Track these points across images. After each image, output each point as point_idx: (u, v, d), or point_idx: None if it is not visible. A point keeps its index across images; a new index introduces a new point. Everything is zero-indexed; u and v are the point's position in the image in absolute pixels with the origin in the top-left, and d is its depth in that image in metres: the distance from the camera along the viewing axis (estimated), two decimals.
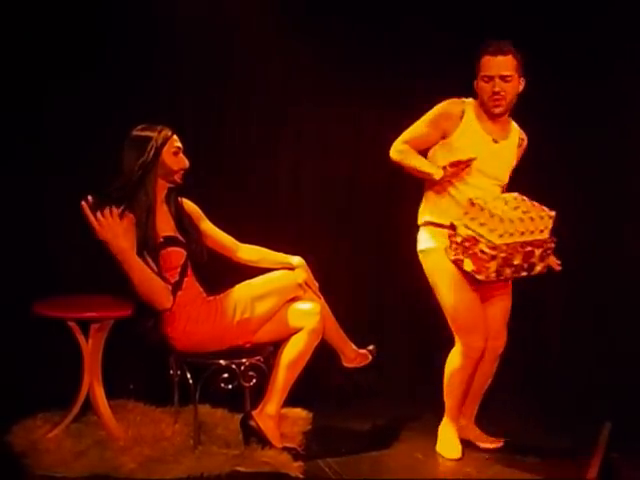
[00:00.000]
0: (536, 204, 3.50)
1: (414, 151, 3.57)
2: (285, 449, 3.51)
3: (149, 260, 3.44)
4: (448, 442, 3.65)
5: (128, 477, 3.33)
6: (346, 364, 3.75)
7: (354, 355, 3.76)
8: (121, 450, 3.47)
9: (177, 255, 3.54)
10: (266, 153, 4.63)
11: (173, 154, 3.54)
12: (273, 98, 4.58)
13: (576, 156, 4.49)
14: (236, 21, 4.51)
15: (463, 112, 3.56)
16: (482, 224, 3.41)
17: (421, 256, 3.65)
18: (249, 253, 3.75)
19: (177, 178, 3.56)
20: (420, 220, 3.69)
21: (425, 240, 3.64)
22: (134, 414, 3.81)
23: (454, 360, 3.60)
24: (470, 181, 3.55)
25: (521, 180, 3.69)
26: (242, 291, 3.56)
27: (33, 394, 3.91)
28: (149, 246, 3.45)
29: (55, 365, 4.01)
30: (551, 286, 4.24)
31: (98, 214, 3.32)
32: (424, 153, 3.61)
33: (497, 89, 3.50)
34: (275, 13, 4.53)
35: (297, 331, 3.55)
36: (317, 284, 3.68)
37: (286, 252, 3.71)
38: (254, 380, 3.53)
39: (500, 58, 3.50)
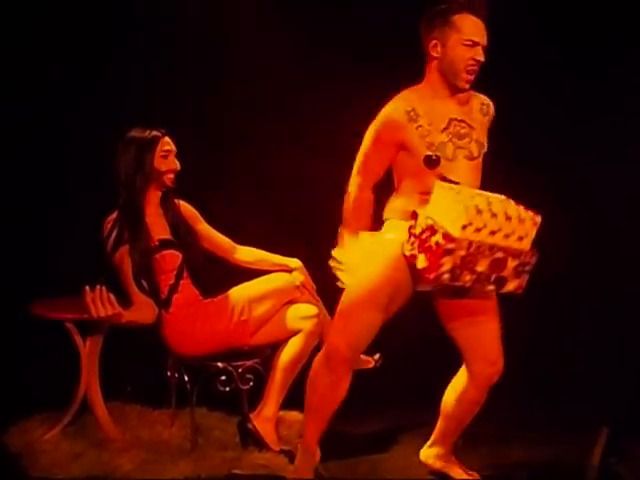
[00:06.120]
0: (522, 208, 2.88)
1: (366, 209, 3.13)
2: (282, 452, 3.51)
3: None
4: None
5: (125, 479, 3.33)
6: None
7: None
8: (118, 452, 3.47)
9: (173, 258, 3.53)
10: (264, 155, 4.63)
11: (162, 157, 3.52)
12: (272, 99, 4.58)
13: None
14: (234, 20, 4.52)
15: (410, 110, 3.01)
16: (447, 211, 2.80)
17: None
18: (246, 255, 3.74)
19: (167, 181, 3.54)
20: (387, 213, 3.15)
21: (389, 230, 3.10)
22: (131, 416, 3.80)
23: (315, 359, 3.17)
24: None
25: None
26: (239, 293, 3.56)
27: (30, 395, 3.91)
28: (143, 250, 3.45)
29: (52, 366, 4.00)
30: (547, 289, 4.23)
31: (95, 299, 3.23)
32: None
33: (482, 58, 2.97)
34: (274, 13, 4.53)
35: (295, 334, 3.55)
36: (315, 286, 3.68)
37: (284, 254, 3.71)
38: (251, 383, 3.53)
39: (481, 23, 2.97)
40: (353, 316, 3.05)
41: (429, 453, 3.44)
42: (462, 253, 2.76)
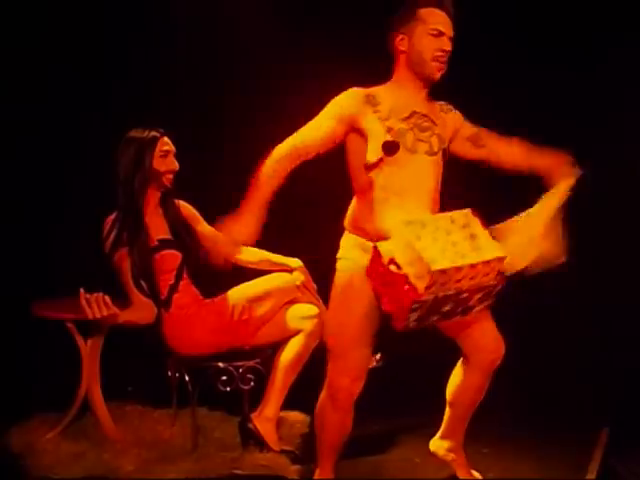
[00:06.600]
0: (486, 232, 2.82)
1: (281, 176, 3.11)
2: (283, 452, 3.51)
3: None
4: None
5: (125, 479, 3.33)
6: None
7: None
8: (119, 452, 3.47)
9: (172, 258, 3.53)
10: (264, 155, 4.63)
11: (160, 157, 3.51)
12: (273, 99, 4.58)
13: None
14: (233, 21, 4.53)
15: (369, 94, 2.99)
16: (410, 263, 2.72)
17: (339, 264, 3.09)
18: (247, 254, 3.73)
19: (165, 181, 3.53)
20: (347, 221, 3.11)
21: (348, 249, 3.07)
22: (132, 416, 3.80)
23: (320, 398, 3.18)
24: (403, 167, 2.96)
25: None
26: (240, 293, 3.55)
27: (31, 395, 3.91)
28: (141, 250, 3.45)
29: (53, 366, 4.01)
30: (547, 291, 4.23)
31: (90, 300, 3.21)
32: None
33: (448, 48, 2.96)
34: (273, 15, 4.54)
35: (295, 334, 3.55)
36: (315, 286, 3.68)
37: (284, 254, 3.71)
38: (252, 383, 3.53)
39: (447, 16, 2.98)
40: (349, 353, 3.03)
41: (440, 444, 3.39)
42: (428, 304, 2.76)
